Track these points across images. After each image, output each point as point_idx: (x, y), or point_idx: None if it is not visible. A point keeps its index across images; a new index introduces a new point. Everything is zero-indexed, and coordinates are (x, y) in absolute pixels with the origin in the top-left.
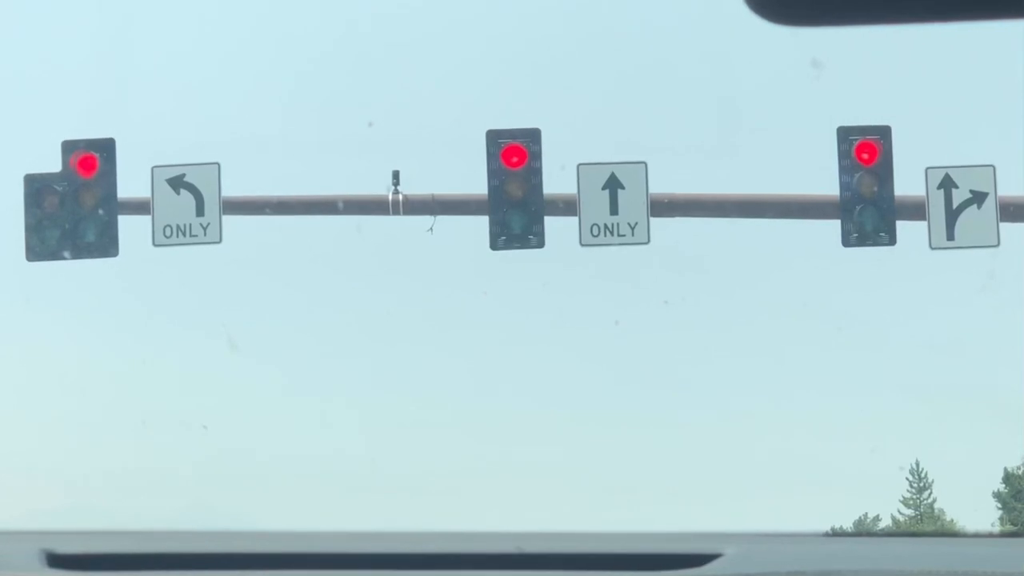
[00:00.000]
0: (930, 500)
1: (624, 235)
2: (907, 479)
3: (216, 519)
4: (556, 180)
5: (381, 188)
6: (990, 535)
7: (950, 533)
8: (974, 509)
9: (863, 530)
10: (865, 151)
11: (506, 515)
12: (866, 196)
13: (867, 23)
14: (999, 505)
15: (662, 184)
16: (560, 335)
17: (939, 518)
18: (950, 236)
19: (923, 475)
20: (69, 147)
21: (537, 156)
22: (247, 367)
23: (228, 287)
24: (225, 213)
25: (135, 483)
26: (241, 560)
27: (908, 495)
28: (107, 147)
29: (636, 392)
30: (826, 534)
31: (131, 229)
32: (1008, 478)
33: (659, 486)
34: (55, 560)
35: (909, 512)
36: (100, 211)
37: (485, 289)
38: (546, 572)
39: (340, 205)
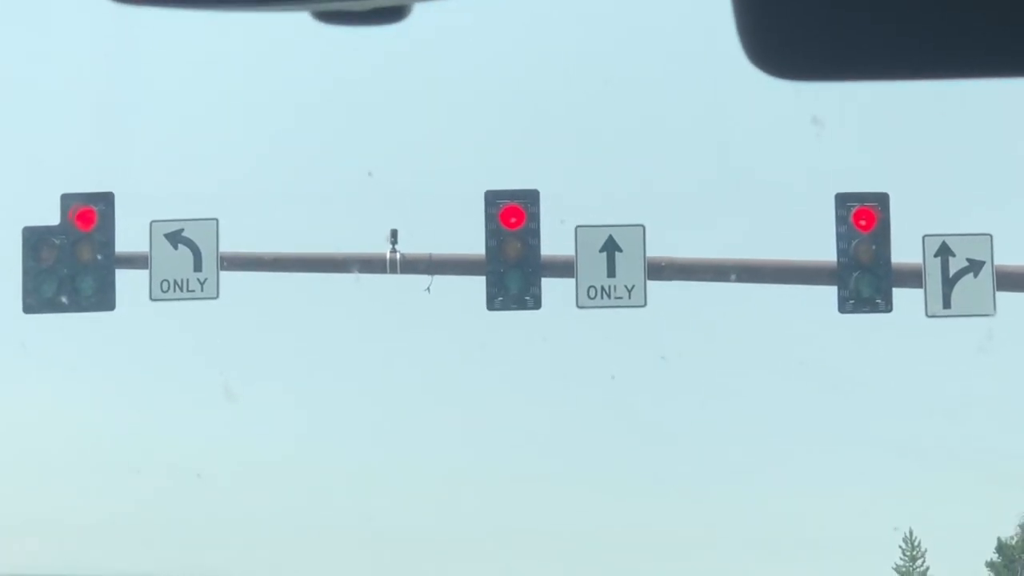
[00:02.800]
0: (923, 568)
1: (621, 297)
2: (900, 547)
3: (209, 567)
4: (554, 238)
5: (379, 245)
6: None
7: (923, 554)
8: None
9: None
10: (863, 218)
11: (498, 571)
12: (863, 263)
13: (868, 79)
14: (992, 574)
15: (660, 246)
16: (555, 392)
17: None
18: (946, 304)
19: (916, 543)
20: (68, 200)
21: (535, 217)
22: (243, 417)
23: (225, 341)
24: (222, 269)
25: (127, 531)
26: None
27: (901, 563)
28: (106, 200)
29: (632, 448)
30: None
31: (128, 283)
32: (1001, 548)
33: (652, 543)
34: None
35: None
36: (98, 264)
37: (483, 344)
38: None
39: (336, 263)
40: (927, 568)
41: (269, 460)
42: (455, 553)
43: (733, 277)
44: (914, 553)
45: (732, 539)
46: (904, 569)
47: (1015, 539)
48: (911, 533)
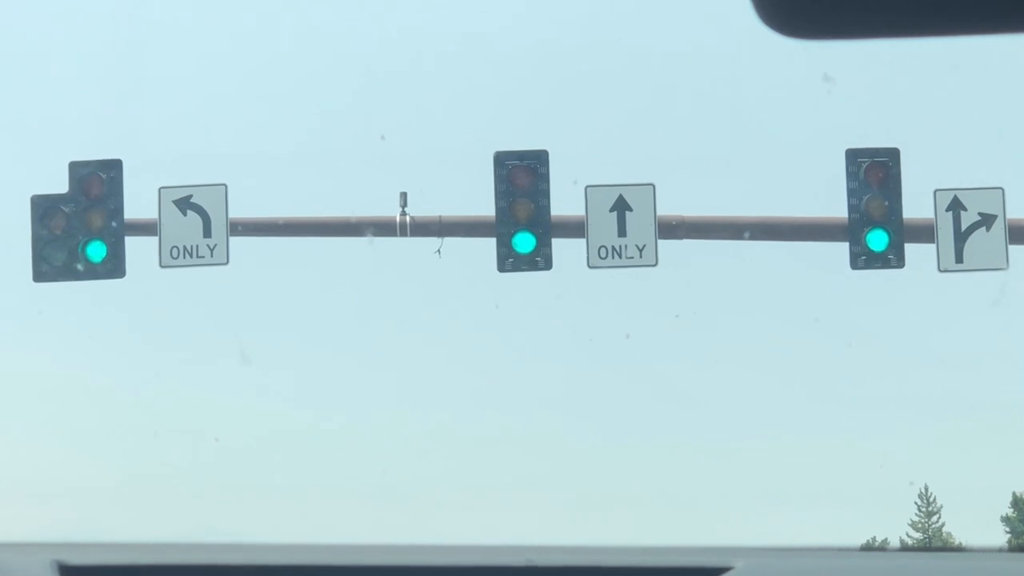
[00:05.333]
0: (939, 524)
1: (632, 257)
2: (916, 503)
3: (226, 531)
4: (565, 199)
5: (389, 208)
6: (1000, 550)
7: (959, 548)
8: (983, 533)
9: (872, 545)
10: (874, 174)
11: (516, 529)
12: (875, 218)
13: (878, 37)
14: (1007, 529)
15: (671, 205)
16: (570, 350)
17: (947, 542)
18: (959, 259)
19: (932, 499)
20: (76, 168)
21: (545, 178)
22: (258, 380)
23: (235, 307)
24: (232, 234)
25: (147, 495)
26: (250, 572)
27: (917, 519)
28: (114, 168)
29: (646, 406)
30: (836, 549)
31: (138, 250)
32: (1017, 502)
33: (670, 499)
34: (67, 571)
35: (918, 536)
36: (107, 232)
37: (496, 303)
38: None
39: (347, 227)
40: (943, 524)
41: (285, 424)
42: (470, 512)
43: (746, 235)
44: (930, 509)
45: (747, 493)
46: (920, 524)
47: None
48: (927, 489)
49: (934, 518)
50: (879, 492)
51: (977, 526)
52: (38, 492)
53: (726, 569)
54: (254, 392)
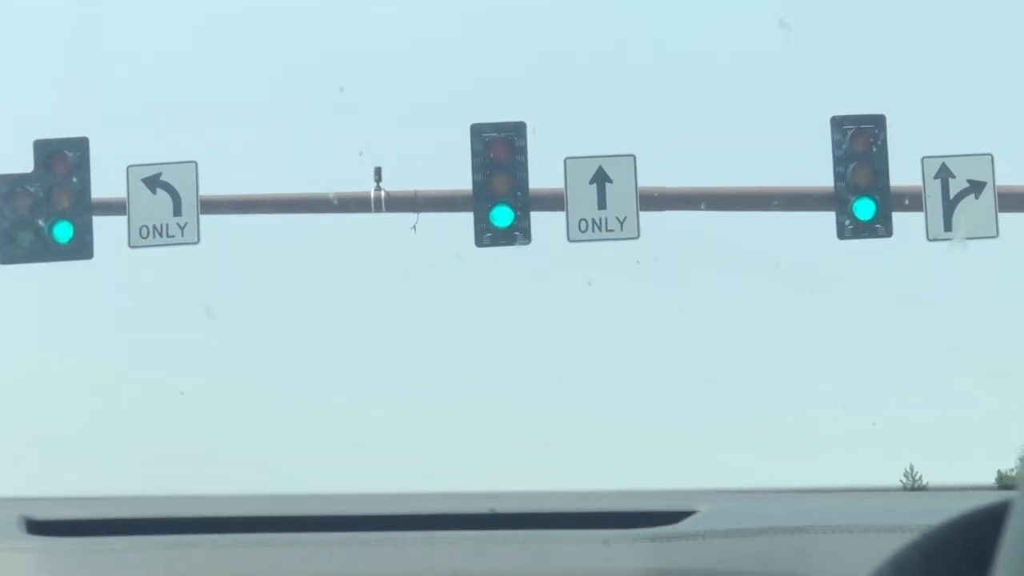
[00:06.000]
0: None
1: (612, 230)
2: (901, 481)
3: (194, 483)
4: (543, 173)
5: (363, 184)
6: (963, 488)
7: (923, 487)
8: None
9: (838, 487)
10: (859, 141)
11: (478, 476)
12: (861, 187)
13: None
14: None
15: (652, 177)
16: (532, 296)
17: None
18: (948, 227)
19: (918, 477)
20: (42, 147)
21: (523, 150)
22: (224, 333)
23: (207, 287)
24: (203, 212)
25: (112, 449)
26: (219, 523)
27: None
28: (80, 146)
29: (608, 351)
30: (802, 491)
31: (106, 230)
32: (1001, 479)
33: (632, 444)
34: (34, 526)
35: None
36: (74, 212)
37: (471, 282)
38: (518, 531)
39: (320, 203)
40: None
41: (251, 377)
42: (448, 466)
43: (729, 205)
44: (916, 487)
45: (713, 438)
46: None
47: (1015, 470)
48: (912, 468)
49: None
50: (842, 433)
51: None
52: (1, 448)
53: (690, 512)
54: (220, 347)
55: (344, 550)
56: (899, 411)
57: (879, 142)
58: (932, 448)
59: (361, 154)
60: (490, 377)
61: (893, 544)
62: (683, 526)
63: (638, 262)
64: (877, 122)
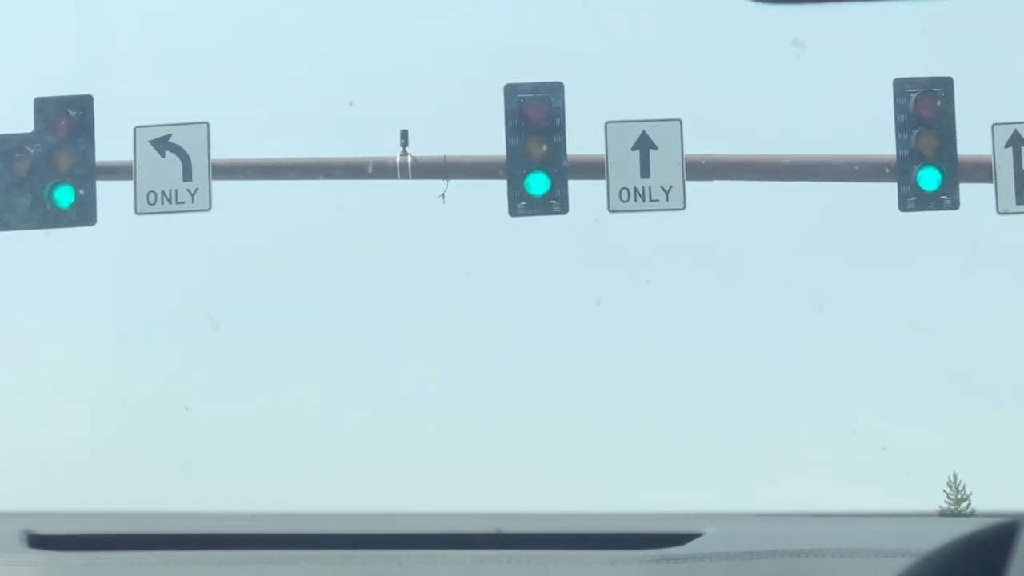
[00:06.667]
0: (968, 511)
1: (657, 200)
2: (944, 491)
3: (198, 500)
4: (582, 139)
5: (387, 149)
6: (974, 514)
7: (936, 514)
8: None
9: (845, 511)
10: (925, 105)
11: (486, 497)
12: (925, 155)
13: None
14: None
15: (698, 144)
16: (534, 315)
17: None
18: (1020, 199)
19: (961, 487)
20: (42, 105)
21: (560, 113)
22: (230, 346)
23: (217, 257)
24: (215, 177)
25: (116, 463)
26: (221, 540)
27: (946, 506)
28: (84, 105)
29: (618, 373)
30: (809, 514)
31: (111, 196)
32: None
33: (639, 465)
34: (36, 541)
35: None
36: (76, 175)
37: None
38: (525, 551)
39: (343, 168)
40: (972, 511)
41: (255, 389)
42: (442, 473)
43: (782, 175)
44: (959, 496)
45: (721, 462)
46: (949, 512)
47: None
48: (955, 477)
49: (964, 505)
50: (852, 458)
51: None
52: (2, 458)
53: (697, 535)
54: (226, 359)
55: (348, 568)
56: (910, 436)
57: (946, 107)
58: (942, 474)
59: (351, 104)
60: (493, 396)
61: (900, 569)
62: (689, 548)
63: (648, 282)
64: (944, 85)
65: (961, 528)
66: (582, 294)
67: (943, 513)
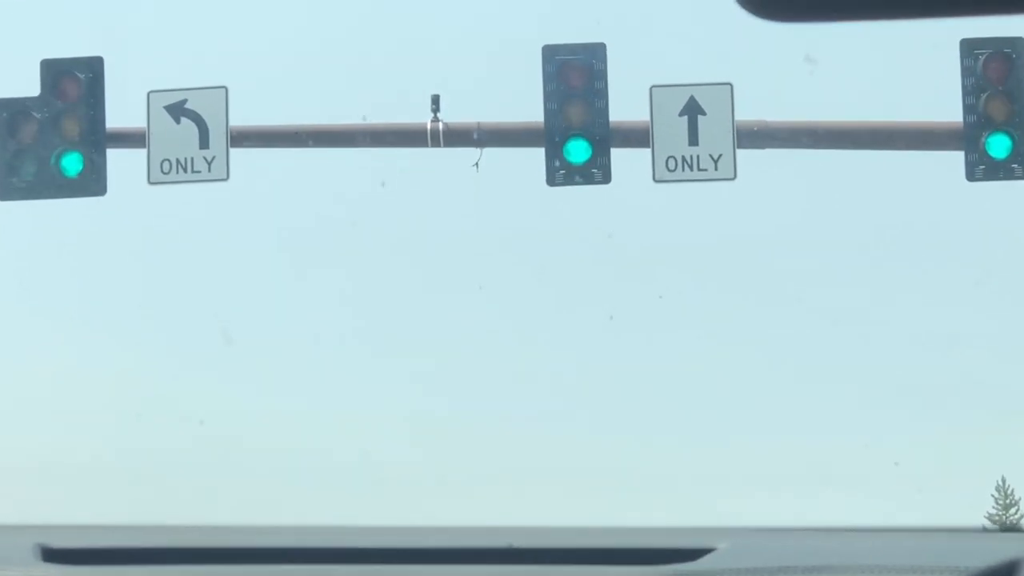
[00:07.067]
0: (1016, 516)
1: (705, 169)
2: (992, 496)
3: (212, 514)
4: (625, 100)
5: (417, 115)
6: (985, 530)
7: (952, 529)
8: None
9: (856, 526)
10: (995, 67)
11: (498, 511)
12: (996, 121)
13: (858, 19)
14: None
15: (750, 109)
16: (548, 332)
17: None
18: None
19: (1009, 492)
20: (50, 67)
21: (602, 76)
22: (245, 359)
23: (234, 230)
24: (233, 145)
25: (130, 477)
26: (236, 554)
27: (994, 511)
28: (94, 67)
29: (629, 387)
30: (821, 529)
31: (122, 164)
32: None
33: (652, 479)
34: (50, 554)
35: (995, 529)
36: (85, 142)
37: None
38: (538, 567)
39: (371, 136)
40: (1021, 516)
41: (268, 401)
42: (453, 487)
43: (839, 143)
44: (1008, 502)
45: (734, 476)
46: (997, 518)
47: None
48: (1004, 482)
49: (1012, 511)
50: (863, 472)
51: None
52: (17, 472)
53: (709, 550)
54: (239, 369)
55: None
56: (921, 451)
57: (1018, 69)
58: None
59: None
60: (508, 409)
61: None
62: (702, 563)
63: (660, 296)
64: (1015, 46)
65: (975, 544)
66: (595, 307)
67: (955, 529)
